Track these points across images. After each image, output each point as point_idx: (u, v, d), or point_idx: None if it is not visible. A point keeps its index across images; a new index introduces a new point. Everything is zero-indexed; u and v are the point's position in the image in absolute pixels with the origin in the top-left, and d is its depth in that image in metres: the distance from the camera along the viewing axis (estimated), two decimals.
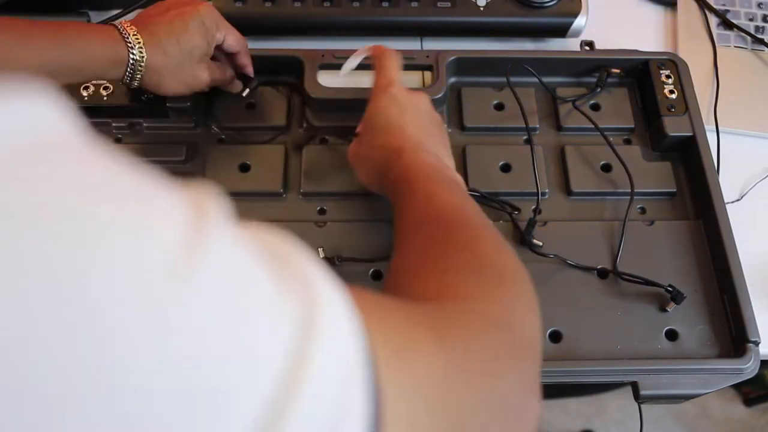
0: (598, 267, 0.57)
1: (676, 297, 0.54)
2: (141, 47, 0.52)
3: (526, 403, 0.31)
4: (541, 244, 0.57)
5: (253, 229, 0.21)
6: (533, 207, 0.58)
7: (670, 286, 0.55)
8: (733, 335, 0.54)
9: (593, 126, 0.64)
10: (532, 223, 0.57)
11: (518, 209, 0.59)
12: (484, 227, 0.42)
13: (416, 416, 0.23)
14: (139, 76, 0.53)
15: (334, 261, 0.56)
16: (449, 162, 0.52)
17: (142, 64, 0.52)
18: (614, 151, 0.61)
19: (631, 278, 0.56)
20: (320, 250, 0.57)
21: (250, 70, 0.62)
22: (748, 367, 0.52)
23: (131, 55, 0.52)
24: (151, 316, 0.16)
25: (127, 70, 0.52)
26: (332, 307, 0.20)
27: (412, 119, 0.52)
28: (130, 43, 0.52)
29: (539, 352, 0.34)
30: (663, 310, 0.55)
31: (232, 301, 0.18)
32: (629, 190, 0.61)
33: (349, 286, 0.22)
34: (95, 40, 0.51)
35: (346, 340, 0.20)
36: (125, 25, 0.52)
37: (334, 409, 0.19)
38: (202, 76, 0.57)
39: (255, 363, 0.18)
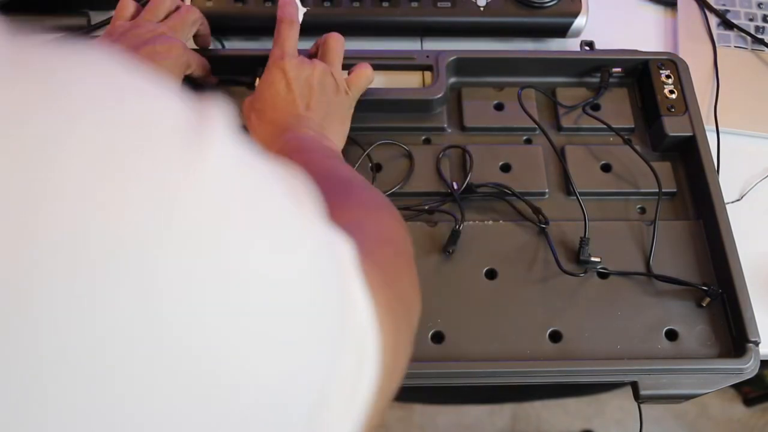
0: (640, 271, 0.57)
1: (713, 294, 0.55)
2: None
3: (415, 298, 0.37)
4: (599, 260, 0.57)
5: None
6: (581, 236, 0.57)
7: (704, 284, 0.55)
8: (733, 335, 0.54)
9: (594, 127, 0.65)
10: (585, 242, 0.57)
11: (547, 219, 0.59)
12: (355, 178, 0.47)
13: (382, 323, 0.28)
14: None
15: None
16: (335, 128, 0.55)
17: None
18: (636, 150, 0.62)
19: (666, 279, 0.56)
20: None
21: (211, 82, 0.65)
22: (748, 367, 0.52)
23: None
24: None
25: None
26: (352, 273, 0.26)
27: (299, 94, 0.54)
28: None
29: (413, 258, 0.41)
30: (699, 306, 0.56)
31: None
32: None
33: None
34: None
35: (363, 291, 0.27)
36: None
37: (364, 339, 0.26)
38: None
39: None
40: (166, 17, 0.60)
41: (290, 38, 0.58)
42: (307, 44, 0.67)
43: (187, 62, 0.57)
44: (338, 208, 0.40)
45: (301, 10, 0.63)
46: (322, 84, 0.56)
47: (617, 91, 0.68)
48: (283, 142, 0.51)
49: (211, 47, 0.71)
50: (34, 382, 0.15)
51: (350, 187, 0.45)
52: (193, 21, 0.60)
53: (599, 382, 0.54)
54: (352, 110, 0.59)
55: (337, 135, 0.56)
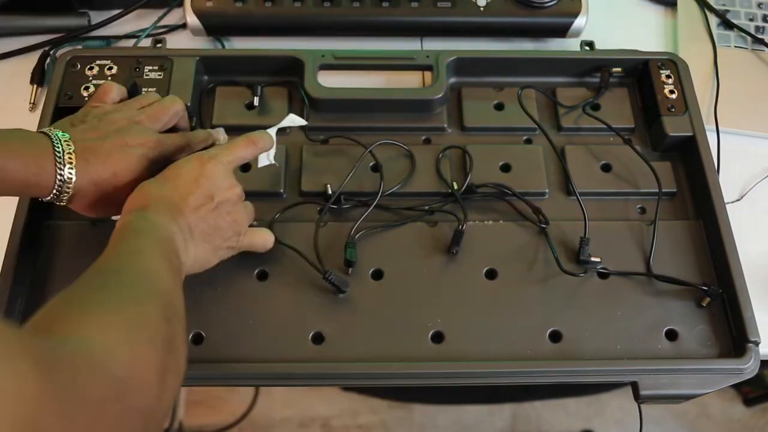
0: (640, 271, 0.57)
1: (713, 294, 0.55)
2: (71, 169, 0.48)
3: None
4: (599, 260, 0.57)
5: None
6: (581, 236, 0.57)
7: (704, 284, 0.55)
8: (733, 335, 0.54)
9: (594, 127, 0.65)
10: (585, 242, 0.57)
11: (547, 219, 0.59)
12: (152, 299, 0.41)
13: None
14: (65, 197, 0.49)
15: (341, 199, 0.59)
16: (202, 250, 0.50)
17: (70, 185, 0.48)
18: (636, 151, 0.62)
19: (666, 279, 0.56)
20: (328, 186, 0.59)
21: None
22: (748, 367, 0.52)
23: (58, 174, 0.47)
24: None
25: (54, 188, 0.48)
26: None
27: (199, 195, 0.49)
28: (59, 161, 0.47)
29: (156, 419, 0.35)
30: (699, 306, 0.56)
31: None
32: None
33: None
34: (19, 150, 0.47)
35: None
36: (63, 141, 0.48)
37: None
38: None
39: None
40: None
41: (237, 153, 0.52)
42: (314, 43, 0.67)
43: (162, 153, 0.52)
44: (84, 310, 0.36)
45: (268, 157, 0.57)
46: (226, 208, 0.51)
47: (617, 91, 0.67)
48: (131, 218, 0.46)
49: (211, 47, 0.72)
50: None
51: (145, 305, 0.39)
52: (174, 112, 0.56)
53: (599, 382, 0.54)
54: (227, 256, 0.53)
55: (197, 257, 0.50)
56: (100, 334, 0.34)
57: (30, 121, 0.61)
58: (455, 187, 0.60)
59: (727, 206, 0.58)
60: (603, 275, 0.57)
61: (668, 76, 0.65)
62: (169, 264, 0.45)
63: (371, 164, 0.62)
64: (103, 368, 0.32)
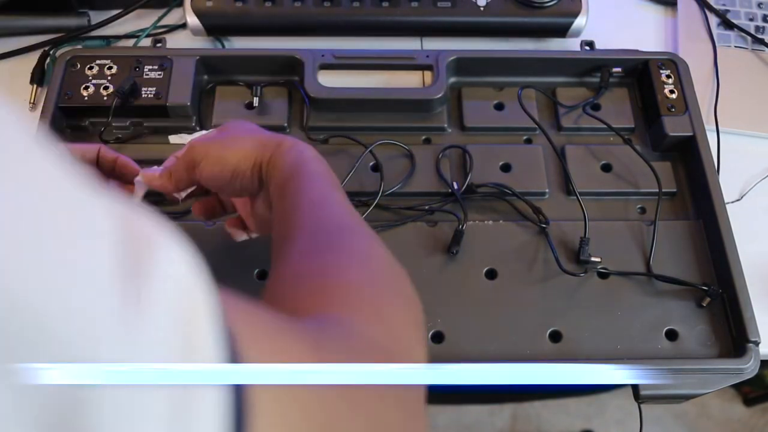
0: (640, 271, 0.57)
1: (713, 294, 0.55)
2: None
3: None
4: (599, 260, 0.57)
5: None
6: (581, 236, 0.57)
7: (704, 284, 0.55)
8: (733, 335, 0.54)
9: (594, 127, 0.65)
10: (585, 242, 0.57)
11: (547, 219, 0.59)
12: (372, 238, 0.39)
13: (290, 420, 0.21)
14: None
15: None
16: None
17: None
18: (636, 150, 0.62)
19: (666, 279, 0.56)
20: None
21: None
22: (748, 367, 0.52)
23: None
24: None
25: None
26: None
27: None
28: None
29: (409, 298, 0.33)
30: (699, 306, 0.56)
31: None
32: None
33: (224, 293, 0.21)
34: None
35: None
36: None
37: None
38: None
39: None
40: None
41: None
42: (314, 43, 0.67)
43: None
44: (341, 281, 0.34)
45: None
46: None
47: (617, 91, 0.68)
48: (283, 161, 0.42)
49: (211, 47, 0.72)
50: None
51: (362, 252, 0.37)
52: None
53: (599, 382, 0.54)
54: None
55: None
56: (340, 301, 0.32)
57: (30, 122, 0.61)
58: (455, 186, 0.60)
59: (727, 206, 0.58)
60: (603, 275, 0.57)
61: (668, 76, 0.65)
62: (342, 192, 0.42)
63: (371, 164, 0.62)
64: (366, 340, 0.30)
